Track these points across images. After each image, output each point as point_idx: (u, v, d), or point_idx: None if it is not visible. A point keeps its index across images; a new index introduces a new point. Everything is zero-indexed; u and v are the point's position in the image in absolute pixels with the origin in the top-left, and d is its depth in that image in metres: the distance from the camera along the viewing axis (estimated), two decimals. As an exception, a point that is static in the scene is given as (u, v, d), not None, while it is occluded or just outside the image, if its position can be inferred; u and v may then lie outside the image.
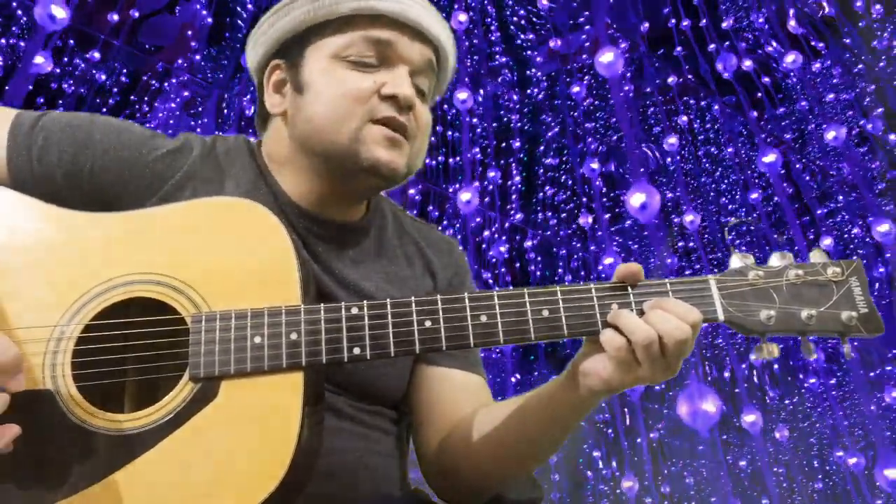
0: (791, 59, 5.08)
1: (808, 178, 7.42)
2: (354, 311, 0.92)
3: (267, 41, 1.15)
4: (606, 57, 3.74)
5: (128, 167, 1.07)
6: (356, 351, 0.90)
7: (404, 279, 1.18)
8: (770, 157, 4.24)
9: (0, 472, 0.85)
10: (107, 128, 1.09)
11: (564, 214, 7.05)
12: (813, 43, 6.82)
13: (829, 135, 4.72)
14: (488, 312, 0.92)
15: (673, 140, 5.47)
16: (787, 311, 0.93)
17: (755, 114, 7.36)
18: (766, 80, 7.12)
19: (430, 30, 1.12)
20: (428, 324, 0.92)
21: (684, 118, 6.46)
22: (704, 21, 6.64)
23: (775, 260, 0.96)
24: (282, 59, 1.15)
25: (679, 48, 6.69)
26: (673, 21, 6.56)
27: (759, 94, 6.92)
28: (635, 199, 3.35)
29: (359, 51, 1.08)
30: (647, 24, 6.77)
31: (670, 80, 6.59)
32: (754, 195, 5.61)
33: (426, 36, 1.12)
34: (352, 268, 1.13)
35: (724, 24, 6.34)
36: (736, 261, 0.97)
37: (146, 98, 6.10)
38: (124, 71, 5.74)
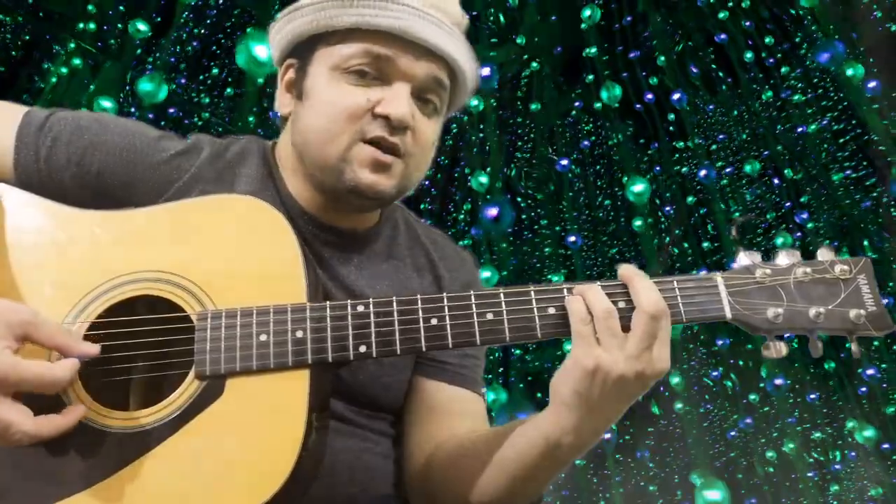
0: (677, 96, 5.34)
1: (703, 211, 7.79)
2: (360, 308, 0.91)
3: (280, 42, 1.14)
4: (483, 71, 3.83)
5: (134, 169, 1.06)
6: (362, 349, 0.89)
7: (410, 289, 1.16)
8: (639, 187, 4.42)
9: (8, 470, 0.84)
10: (115, 129, 1.07)
11: (462, 226, 7.16)
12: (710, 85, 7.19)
13: (702, 173, 4.99)
14: (494, 310, 0.91)
15: (564, 161, 5.63)
16: (795, 310, 0.90)
17: (657, 144, 7.68)
18: (672, 115, 7.47)
19: (438, 46, 1.06)
20: (434, 321, 0.90)
21: (586, 142, 6.66)
22: (620, 48, 6.90)
23: (783, 258, 0.94)
24: (296, 59, 1.13)
25: (591, 75, 6.94)
26: (588, 49, 6.80)
27: (669, 126, 7.26)
28: (491, 213, 3.45)
29: (359, 63, 1.05)
30: (559, 48, 6.98)
31: (576, 103, 6.83)
32: (638, 222, 5.83)
33: (434, 51, 1.06)
34: (356, 275, 1.12)
35: (630, 55, 6.61)
36: (743, 258, 0.94)
37: (44, 64, 5.83)
38: (9, 36, 5.46)
